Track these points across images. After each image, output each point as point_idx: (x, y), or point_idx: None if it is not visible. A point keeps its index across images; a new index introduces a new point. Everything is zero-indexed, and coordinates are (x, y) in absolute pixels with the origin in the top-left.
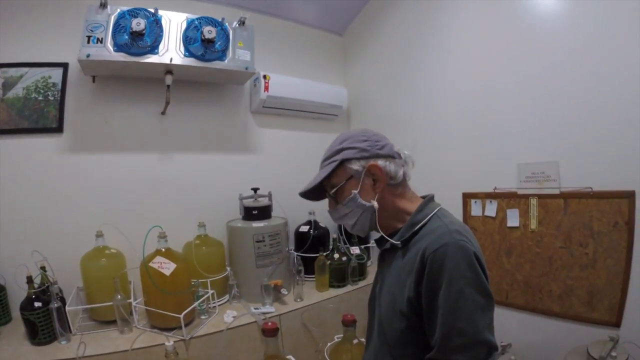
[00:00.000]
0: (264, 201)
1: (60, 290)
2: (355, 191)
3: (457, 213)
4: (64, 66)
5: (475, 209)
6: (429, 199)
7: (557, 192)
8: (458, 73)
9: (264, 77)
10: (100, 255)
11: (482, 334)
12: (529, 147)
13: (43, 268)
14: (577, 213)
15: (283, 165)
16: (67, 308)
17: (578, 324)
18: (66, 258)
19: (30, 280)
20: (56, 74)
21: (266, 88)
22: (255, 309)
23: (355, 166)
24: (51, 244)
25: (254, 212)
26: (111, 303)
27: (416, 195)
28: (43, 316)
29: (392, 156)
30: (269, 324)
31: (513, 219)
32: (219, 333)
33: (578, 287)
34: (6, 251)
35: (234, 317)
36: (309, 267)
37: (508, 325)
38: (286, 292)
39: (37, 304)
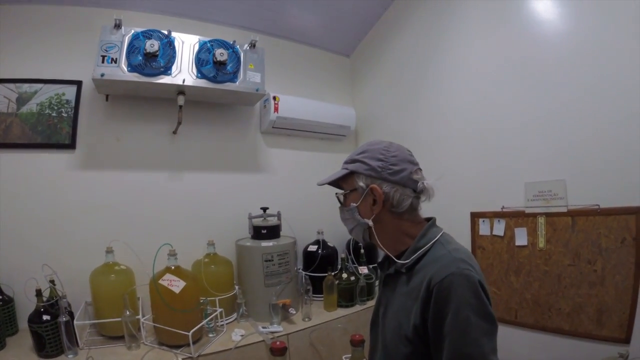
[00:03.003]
0: (273, 220)
1: (69, 305)
2: (355, 204)
3: (465, 232)
4: (78, 84)
5: (483, 228)
6: (431, 224)
7: (564, 210)
8: (464, 93)
9: (274, 98)
10: (109, 271)
11: (488, 358)
12: (536, 165)
13: (52, 282)
14: (584, 230)
15: (292, 185)
16: (75, 322)
17: (588, 342)
18: (75, 272)
19: (39, 293)
20: (70, 91)
21: (276, 109)
22: (263, 328)
23: (361, 182)
24: (61, 258)
25: (263, 231)
26: (120, 319)
27: (421, 218)
28: (51, 329)
29: (402, 184)
30: (277, 343)
31: (521, 237)
32: (227, 351)
33: (587, 304)
34: (16, 264)
35: (241, 335)
36: (317, 286)
37: (517, 345)
38: (294, 312)
39: (45, 317)
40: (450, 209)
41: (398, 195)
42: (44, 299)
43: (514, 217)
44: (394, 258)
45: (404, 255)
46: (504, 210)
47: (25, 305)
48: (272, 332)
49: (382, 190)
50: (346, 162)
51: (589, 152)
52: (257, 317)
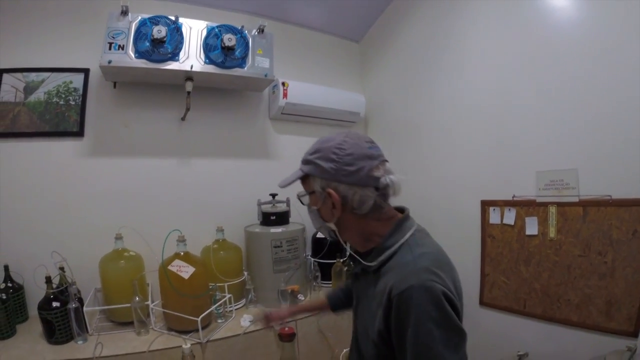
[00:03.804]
0: (282, 207)
1: (79, 291)
2: (315, 207)
3: (475, 221)
4: (85, 72)
5: (494, 217)
6: (401, 221)
7: (576, 200)
8: (476, 80)
9: (283, 84)
10: (119, 257)
11: None
12: (548, 154)
13: (62, 269)
14: (596, 221)
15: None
16: (84, 308)
17: (596, 334)
18: (85, 259)
19: (49, 280)
20: (77, 79)
21: (285, 95)
22: None
23: (316, 186)
24: (70, 245)
25: (272, 217)
26: (129, 305)
27: (391, 213)
28: (60, 316)
29: (360, 185)
30: (286, 329)
31: (532, 227)
32: (236, 337)
33: (596, 296)
34: (26, 251)
35: (250, 321)
36: (325, 273)
37: (525, 334)
38: (303, 298)
39: (55, 304)
40: (460, 197)
41: (357, 197)
42: (54, 286)
43: (525, 206)
44: (359, 259)
45: (370, 256)
46: (515, 199)
47: (35, 293)
48: None
49: (339, 194)
50: (302, 162)
51: (602, 142)
52: (266, 303)
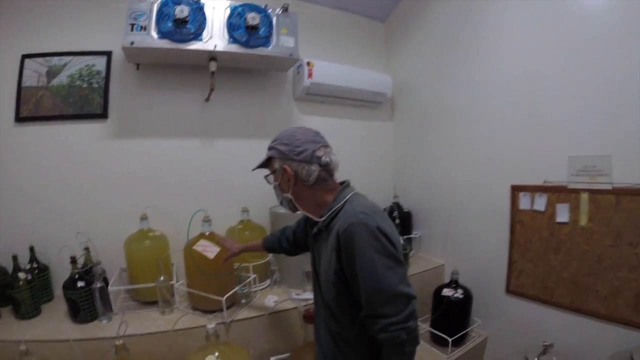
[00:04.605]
0: None
1: (104, 271)
2: (276, 183)
3: (504, 207)
4: (108, 54)
5: (524, 202)
6: (342, 188)
7: (609, 187)
8: (507, 61)
9: (308, 63)
10: (144, 237)
11: (397, 288)
12: (581, 139)
13: (87, 249)
14: (629, 210)
15: None
16: (109, 288)
17: (623, 328)
18: (110, 240)
19: (73, 260)
20: (100, 62)
21: (310, 75)
22: (296, 294)
23: (276, 165)
24: (96, 226)
25: None
26: (154, 284)
27: (334, 185)
28: (85, 295)
29: (308, 161)
30: (311, 310)
31: (562, 214)
32: (260, 317)
33: (625, 288)
34: (51, 233)
35: (274, 302)
36: None
37: (551, 324)
38: None
39: (80, 284)
40: (490, 181)
41: (305, 171)
42: (79, 266)
43: (556, 192)
44: (314, 218)
45: (323, 217)
46: (546, 184)
47: (61, 273)
48: (306, 300)
49: (292, 169)
50: (268, 149)
51: (636, 127)
52: (291, 284)
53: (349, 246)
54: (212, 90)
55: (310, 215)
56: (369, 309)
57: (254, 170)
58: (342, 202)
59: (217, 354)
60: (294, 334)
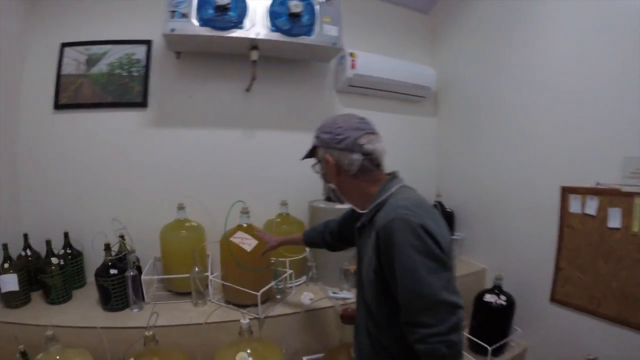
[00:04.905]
0: None
1: (137, 259)
2: (322, 172)
3: (552, 209)
4: (148, 43)
5: (574, 205)
6: (389, 179)
7: None
8: (558, 55)
9: (350, 54)
10: (180, 227)
11: (440, 295)
12: (637, 138)
13: (122, 237)
14: None
15: None
16: (142, 277)
17: None
18: (145, 228)
19: (107, 247)
20: (140, 51)
21: (353, 65)
22: (333, 293)
23: (320, 154)
24: (132, 214)
25: None
26: (188, 275)
27: (381, 176)
28: (117, 283)
29: (350, 150)
30: (349, 310)
31: (614, 219)
32: (295, 315)
33: None
34: (86, 219)
35: (310, 299)
36: None
37: (596, 337)
38: None
39: (112, 271)
40: (538, 182)
41: (347, 161)
42: (113, 253)
43: (609, 196)
44: (358, 211)
45: (369, 211)
46: (599, 186)
47: (95, 260)
48: (343, 299)
49: (333, 158)
50: (314, 137)
51: None
52: (327, 281)
53: (388, 243)
54: (253, 79)
55: (355, 208)
56: (408, 315)
57: (302, 159)
58: (386, 195)
59: (249, 350)
60: (328, 333)
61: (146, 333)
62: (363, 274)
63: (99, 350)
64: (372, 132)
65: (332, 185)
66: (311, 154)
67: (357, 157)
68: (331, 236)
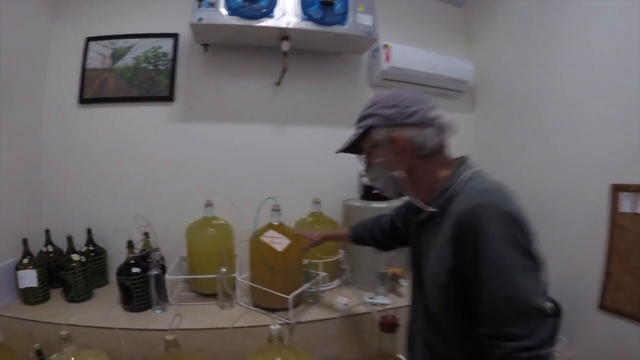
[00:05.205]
0: None
1: (162, 258)
2: (381, 160)
3: (601, 209)
4: (175, 36)
5: (625, 204)
6: (462, 162)
7: None
8: (604, 48)
9: (385, 46)
10: (207, 225)
11: (532, 299)
12: None
13: (146, 234)
14: None
15: None
16: (166, 276)
17: None
18: (171, 226)
19: (130, 244)
20: (166, 44)
21: (387, 58)
22: (369, 298)
23: (380, 135)
24: (157, 211)
25: (374, 191)
26: (214, 275)
27: (450, 159)
28: (139, 282)
29: (422, 124)
30: (389, 318)
31: None
32: (328, 321)
33: None
34: (110, 216)
35: (344, 304)
36: None
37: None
38: (405, 284)
39: (135, 270)
40: (584, 181)
41: (421, 138)
42: (136, 251)
43: None
44: (423, 206)
45: (436, 200)
46: None
47: (117, 257)
48: (382, 304)
49: (405, 136)
50: (359, 122)
51: None
52: (361, 285)
53: (473, 235)
54: (284, 71)
55: (416, 200)
56: (493, 325)
57: (341, 151)
58: (461, 180)
59: (279, 359)
60: (364, 342)
61: (167, 337)
62: (426, 277)
63: (117, 353)
64: (435, 107)
65: (398, 173)
66: (356, 142)
67: (430, 132)
68: (382, 233)
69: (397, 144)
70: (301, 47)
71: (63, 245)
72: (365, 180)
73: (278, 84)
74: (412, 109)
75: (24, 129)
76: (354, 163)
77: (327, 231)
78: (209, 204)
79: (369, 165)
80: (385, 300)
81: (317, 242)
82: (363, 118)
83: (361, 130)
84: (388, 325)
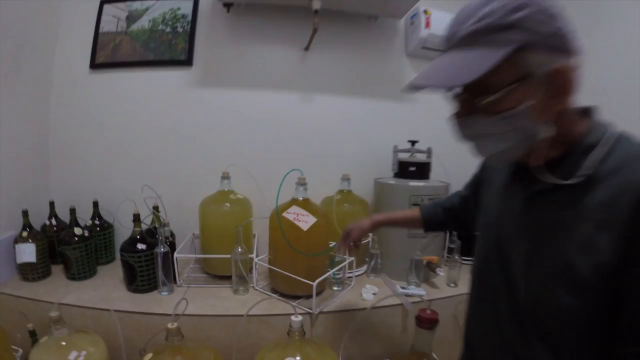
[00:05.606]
0: (422, 157)
1: (172, 234)
2: (528, 103)
3: None
4: None
5: None
6: (592, 112)
7: None
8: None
9: (425, 12)
10: (224, 199)
11: None
12: None
13: (156, 207)
14: None
15: (443, 120)
16: (175, 255)
17: None
18: (184, 200)
19: (137, 218)
20: (186, 5)
21: (427, 24)
22: (402, 288)
23: (537, 62)
24: (169, 184)
25: (411, 168)
26: (229, 256)
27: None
28: (145, 260)
29: (577, 54)
30: (428, 312)
31: None
32: (356, 312)
33: None
34: (120, 187)
35: (374, 293)
36: (467, 245)
37: None
38: (442, 273)
39: (140, 246)
40: None
41: (576, 72)
42: (144, 226)
43: None
44: (555, 178)
45: (567, 162)
46: None
47: (124, 232)
48: (419, 296)
49: (571, 69)
50: (490, 31)
51: None
52: (391, 273)
53: None
54: (314, 32)
55: (536, 162)
56: None
57: (465, 81)
58: (612, 135)
59: (298, 358)
60: (393, 337)
61: (169, 325)
62: (540, 271)
63: (117, 337)
64: None
65: (546, 127)
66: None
67: (579, 65)
68: (443, 211)
69: (559, 80)
70: (332, 8)
71: (69, 219)
72: (402, 156)
73: (307, 49)
74: (572, 27)
75: (32, 94)
76: (386, 138)
77: (382, 214)
78: (225, 176)
79: (492, 112)
80: (419, 291)
81: (365, 229)
82: (504, 28)
83: (503, 51)
84: (427, 320)
